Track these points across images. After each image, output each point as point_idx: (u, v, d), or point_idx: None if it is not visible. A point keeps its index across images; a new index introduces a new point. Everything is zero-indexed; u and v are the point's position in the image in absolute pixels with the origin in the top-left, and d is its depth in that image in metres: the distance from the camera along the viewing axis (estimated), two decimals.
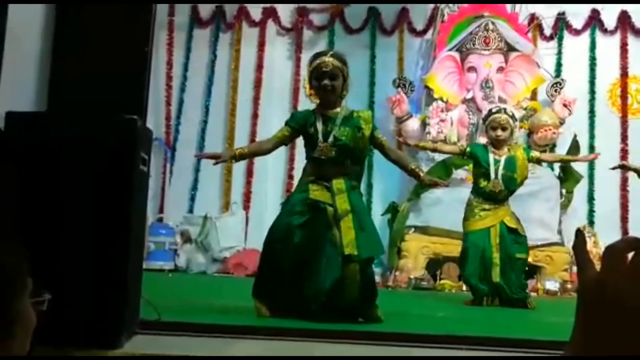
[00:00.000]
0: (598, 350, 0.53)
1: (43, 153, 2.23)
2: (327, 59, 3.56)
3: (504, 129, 5.02)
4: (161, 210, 8.29)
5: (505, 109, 5.28)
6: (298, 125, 3.63)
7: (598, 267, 0.56)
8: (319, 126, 3.55)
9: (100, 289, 2.19)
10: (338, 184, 3.48)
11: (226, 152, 3.88)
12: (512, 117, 5.22)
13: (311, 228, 3.45)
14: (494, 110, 5.22)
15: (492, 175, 4.97)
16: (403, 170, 3.90)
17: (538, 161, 5.33)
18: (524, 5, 8.25)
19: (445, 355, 2.55)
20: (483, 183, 5.00)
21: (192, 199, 8.43)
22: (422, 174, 3.84)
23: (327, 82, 3.51)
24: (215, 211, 8.22)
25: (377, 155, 8.21)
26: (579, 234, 0.59)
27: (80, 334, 2.14)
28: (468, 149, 5.18)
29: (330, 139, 3.51)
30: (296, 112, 3.92)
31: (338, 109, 3.60)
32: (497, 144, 5.05)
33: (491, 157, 5.02)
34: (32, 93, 2.65)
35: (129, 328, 2.38)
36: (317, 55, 3.66)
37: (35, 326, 0.99)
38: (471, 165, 5.73)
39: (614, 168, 6.15)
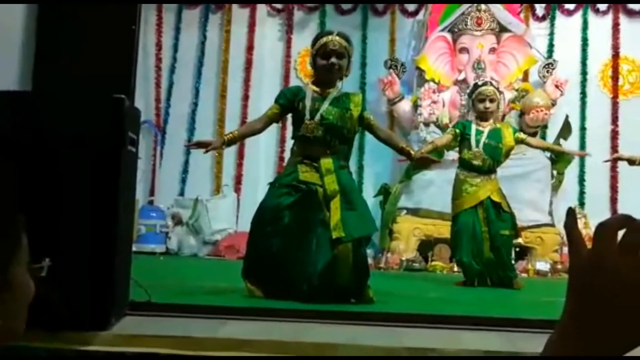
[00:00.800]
0: (589, 329, 0.54)
1: (28, 133, 2.19)
2: (335, 37, 3.56)
3: (491, 100, 5.10)
4: (152, 193, 8.24)
5: (490, 82, 5.36)
6: (287, 101, 3.61)
7: (589, 247, 0.56)
8: (307, 103, 3.53)
9: (88, 270, 2.16)
10: (326, 163, 3.46)
11: (217, 139, 3.84)
12: (498, 89, 5.32)
13: (301, 209, 3.43)
14: (479, 84, 5.29)
15: (473, 145, 5.01)
16: (393, 149, 3.88)
17: (523, 142, 5.34)
18: None
19: (438, 337, 2.55)
20: (466, 154, 5.04)
21: (183, 181, 8.39)
22: (412, 152, 3.83)
23: (334, 61, 3.51)
24: (207, 193, 8.19)
25: (368, 137, 8.22)
26: (571, 212, 0.59)
27: (69, 316, 2.12)
28: (457, 130, 5.17)
29: (317, 117, 3.49)
30: (284, 89, 3.90)
31: (331, 90, 3.58)
32: (484, 116, 5.10)
33: (473, 127, 5.09)
34: (17, 73, 2.60)
35: (118, 309, 2.36)
36: (323, 34, 3.64)
37: (33, 295, 0.96)
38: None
39: (607, 160, 6.20)
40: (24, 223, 0.94)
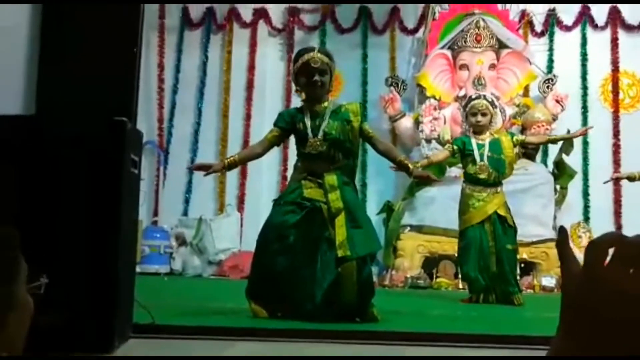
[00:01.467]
0: (584, 344, 0.54)
1: (32, 156, 2.21)
2: (316, 55, 3.56)
3: (483, 114, 5.10)
4: (155, 214, 8.25)
5: (484, 96, 5.39)
6: (286, 124, 3.63)
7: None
8: (307, 122, 3.54)
9: (90, 292, 2.16)
10: (330, 180, 3.46)
11: (218, 162, 3.85)
12: (492, 103, 5.33)
13: (306, 227, 3.42)
14: (473, 97, 5.32)
15: (478, 159, 5.01)
16: (391, 162, 3.83)
17: (523, 144, 5.33)
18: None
19: (441, 355, 2.53)
20: (471, 169, 5.04)
21: (187, 201, 8.40)
22: (411, 166, 3.77)
23: (317, 78, 3.52)
24: (210, 213, 8.19)
25: (370, 155, 8.25)
26: (562, 230, 0.61)
27: (71, 339, 2.12)
28: (454, 146, 5.18)
29: (320, 133, 3.50)
30: (282, 112, 3.91)
31: (325, 104, 3.60)
32: (477, 129, 5.12)
33: (474, 142, 5.08)
34: (20, 96, 2.62)
35: (121, 332, 2.35)
36: (304, 52, 3.64)
37: (32, 313, 0.96)
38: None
39: (607, 182, 6.22)
40: (19, 240, 0.96)
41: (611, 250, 0.55)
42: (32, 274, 0.98)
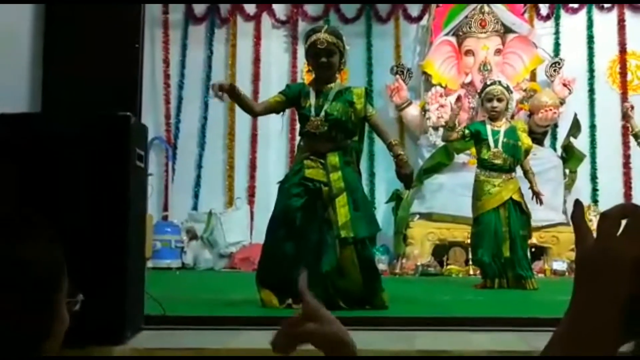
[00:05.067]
0: (592, 320, 0.54)
1: (37, 152, 2.24)
2: (322, 35, 3.54)
3: (499, 100, 5.12)
4: (166, 209, 8.29)
5: (500, 81, 5.39)
6: (291, 92, 3.63)
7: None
8: (312, 100, 3.55)
9: (100, 285, 2.19)
10: (332, 160, 3.46)
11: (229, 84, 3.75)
12: (507, 88, 5.34)
13: (309, 209, 3.44)
14: (488, 83, 5.35)
15: (492, 145, 5.02)
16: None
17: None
18: None
19: (453, 339, 2.55)
20: (486, 154, 5.04)
21: (196, 195, 8.44)
22: (400, 152, 3.60)
23: (324, 60, 3.52)
24: (220, 207, 8.23)
25: (378, 144, 8.23)
26: (578, 204, 0.60)
27: (82, 332, 2.15)
28: (466, 130, 5.19)
29: (322, 114, 3.50)
30: (290, 84, 3.92)
31: (332, 85, 3.60)
32: (493, 116, 5.12)
33: (489, 128, 5.10)
34: (26, 93, 2.65)
35: (133, 324, 2.39)
36: (312, 32, 3.64)
37: (67, 328, 0.95)
38: (473, 149, 5.75)
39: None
40: (65, 263, 0.94)
41: (624, 222, 0.55)
42: (70, 287, 0.98)
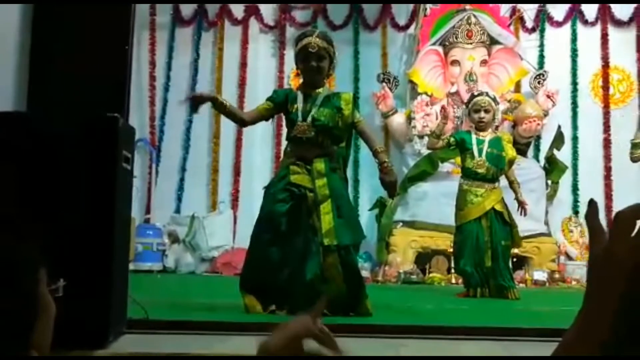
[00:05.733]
0: (606, 319, 0.53)
1: (23, 153, 2.20)
2: (313, 39, 3.54)
3: (486, 111, 5.18)
4: (148, 211, 8.23)
5: (487, 93, 5.46)
6: (279, 97, 3.61)
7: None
8: (300, 105, 3.54)
9: (84, 288, 2.17)
10: (318, 166, 3.45)
11: (210, 94, 3.75)
12: (494, 99, 5.41)
13: (294, 215, 3.43)
14: (476, 94, 5.42)
15: (476, 154, 5.06)
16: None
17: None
18: None
19: (436, 348, 2.55)
20: (470, 163, 5.08)
21: (179, 199, 8.39)
22: (385, 160, 3.57)
23: (313, 64, 3.51)
24: (203, 211, 8.18)
25: (363, 151, 8.25)
26: (592, 203, 0.59)
27: (65, 334, 2.12)
28: (452, 139, 5.23)
29: (309, 119, 3.50)
30: (277, 90, 3.90)
31: (320, 90, 3.60)
32: (480, 126, 5.17)
33: (474, 137, 5.15)
34: (12, 93, 2.61)
35: (115, 327, 2.36)
36: (303, 36, 3.64)
37: (55, 314, 0.97)
38: (458, 158, 5.78)
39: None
40: (40, 239, 0.95)
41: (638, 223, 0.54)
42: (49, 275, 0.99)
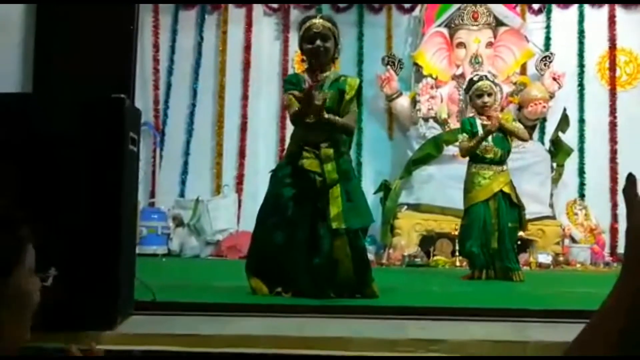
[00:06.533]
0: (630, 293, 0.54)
1: (31, 134, 2.20)
2: (317, 20, 3.51)
3: (489, 94, 5.17)
4: (152, 195, 8.25)
5: (486, 76, 5.41)
6: (299, 85, 3.52)
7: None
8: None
9: (93, 270, 2.17)
10: (326, 150, 3.43)
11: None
12: (494, 82, 5.38)
13: (301, 200, 3.41)
14: (475, 79, 5.32)
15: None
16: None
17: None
18: None
19: (441, 329, 2.56)
20: (478, 149, 5.06)
21: (183, 182, 8.39)
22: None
23: (319, 44, 3.47)
24: (207, 194, 8.19)
25: (367, 134, 8.23)
26: (630, 177, 0.59)
27: (74, 316, 2.13)
28: (466, 133, 5.11)
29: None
30: (288, 78, 3.78)
31: (327, 73, 3.56)
32: (484, 110, 5.14)
33: (479, 123, 5.11)
34: (18, 75, 2.60)
35: (123, 309, 2.37)
36: (307, 19, 3.60)
37: (37, 304, 0.92)
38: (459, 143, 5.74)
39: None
40: (29, 229, 0.91)
41: None
42: (40, 258, 0.94)
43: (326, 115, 3.35)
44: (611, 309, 0.55)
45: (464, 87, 5.69)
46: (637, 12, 8.31)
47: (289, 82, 3.64)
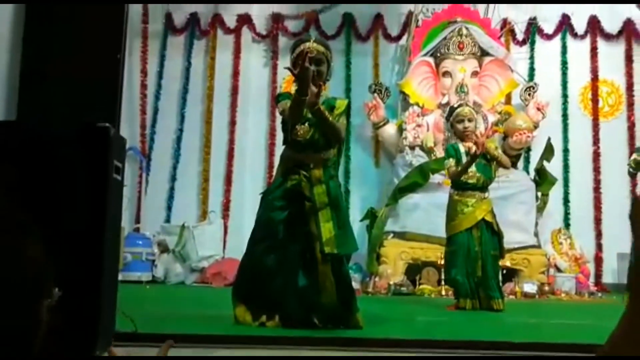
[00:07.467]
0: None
1: (13, 162, 2.18)
2: (312, 44, 3.52)
3: (470, 120, 5.23)
4: (137, 220, 8.18)
5: (466, 103, 5.52)
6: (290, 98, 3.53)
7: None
8: None
9: (72, 299, 2.13)
10: (317, 172, 3.42)
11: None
12: (474, 109, 5.47)
13: (292, 223, 3.40)
14: (455, 106, 5.44)
15: None
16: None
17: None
18: (496, 10, 8.36)
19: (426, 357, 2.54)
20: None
21: (169, 208, 8.35)
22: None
23: (313, 68, 3.49)
24: (193, 220, 8.14)
25: (354, 161, 8.26)
26: (636, 201, 0.60)
27: (52, 346, 2.08)
28: (452, 159, 5.14)
29: (306, 123, 3.43)
30: (280, 97, 3.78)
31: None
32: (465, 136, 5.18)
33: (462, 149, 5.15)
34: (2, 100, 2.59)
35: (103, 340, 2.32)
36: (300, 42, 3.61)
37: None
38: (446, 169, 5.77)
39: None
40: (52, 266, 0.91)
41: None
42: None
43: (322, 108, 3.34)
44: (618, 343, 0.55)
45: (446, 115, 5.77)
46: (618, 44, 8.49)
47: (281, 96, 3.64)
